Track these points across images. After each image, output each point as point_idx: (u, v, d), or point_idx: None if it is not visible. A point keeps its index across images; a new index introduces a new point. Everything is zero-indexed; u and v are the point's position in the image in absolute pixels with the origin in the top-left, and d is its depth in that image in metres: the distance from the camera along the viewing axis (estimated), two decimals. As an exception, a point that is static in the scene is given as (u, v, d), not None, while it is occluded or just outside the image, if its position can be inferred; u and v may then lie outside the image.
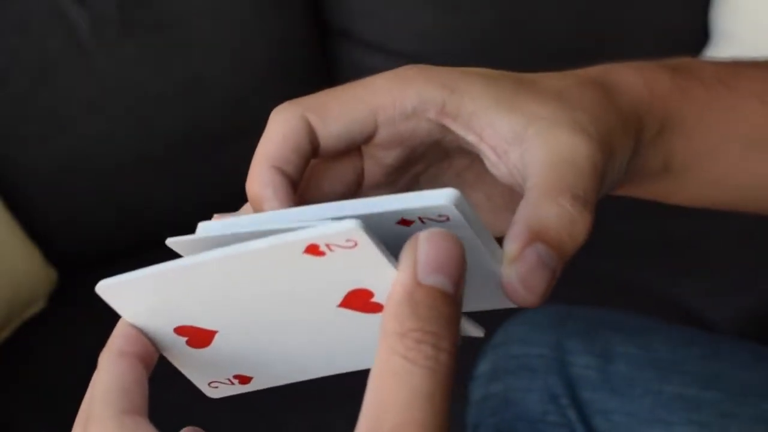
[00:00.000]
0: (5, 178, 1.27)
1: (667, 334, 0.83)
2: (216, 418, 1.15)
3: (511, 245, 0.38)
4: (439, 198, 0.34)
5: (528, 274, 0.37)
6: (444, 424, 0.31)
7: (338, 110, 0.43)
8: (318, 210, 0.36)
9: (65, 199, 1.31)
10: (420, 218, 0.35)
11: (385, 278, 0.33)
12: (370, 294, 0.34)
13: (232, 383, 0.40)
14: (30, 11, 1.24)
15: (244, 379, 0.40)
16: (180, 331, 0.37)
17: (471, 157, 0.46)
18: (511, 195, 0.46)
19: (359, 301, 0.35)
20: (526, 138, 0.41)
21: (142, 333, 0.38)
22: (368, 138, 0.43)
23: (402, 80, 0.43)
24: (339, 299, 0.34)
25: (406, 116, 0.43)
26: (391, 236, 0.35)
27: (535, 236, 0.38)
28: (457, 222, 0.35)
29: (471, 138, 0.42)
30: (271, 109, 0.44)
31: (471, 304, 0.39)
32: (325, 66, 1.43)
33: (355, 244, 0.32)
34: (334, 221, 0.32)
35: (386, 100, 0.43)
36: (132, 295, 0.36)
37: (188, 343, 0.38)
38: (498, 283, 0.37)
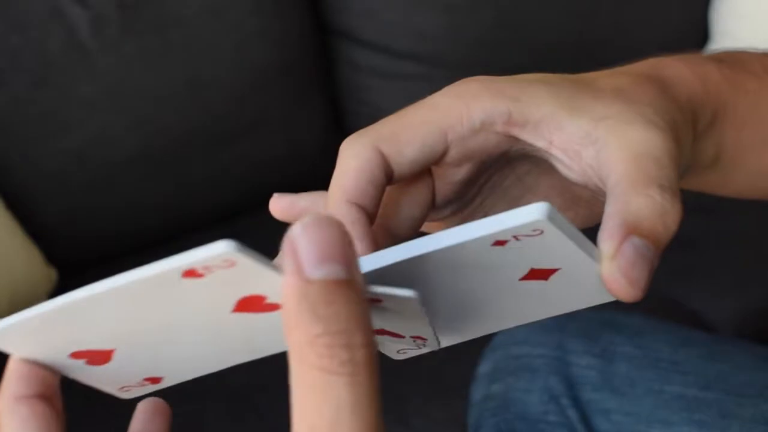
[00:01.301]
0: (5, 178, 1.27)
1: (668, 335, 0.83)
2: (212, 418, 1.15)
3: (609, 242, 0.37)
4: (532, 215, 0.34)
5: (629, 268, 0.37)
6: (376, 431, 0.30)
7: (409, 136, 0.43)
8: (415, 246, 0.36)
9: (65, 199, 1.31)
10: (514, 236, 0.35)
11: (274, 284, 0.32)
12: (262, 298, 0.33)
13: (144, 385, 0.39)
14: (30, 11, 1.24)
15: (154, 380, 0.39)
16: (76, 355, 0.36)
17: (531, 161, 0.46)
18: (572, 196, 0.47)
19: (253, 305, 0.34)
20: (598, 137, 0.41)
21: (37, 364, 0.36)
22: (440, 158, 0.43)
23: (466, 96, 0.43)
24: (231, 307, 0.34)
25: (474, 132, 0.43)
26: (487, 257, 0.36)
27: (631, 230, 0.38)
28: (552, 233, 0.35)
29: (541, 144, 0.43)
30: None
31: (573, 304, 0.40)
32: (325, 66, 1.43)
33: (233, 264, 0.31)
34: (208, 245, 0.31)
35: (454, 119, 0.43)
36: (19, 337, 0.35)
37: (88, 363, 0.37)
38: (597, 280, 0.37)
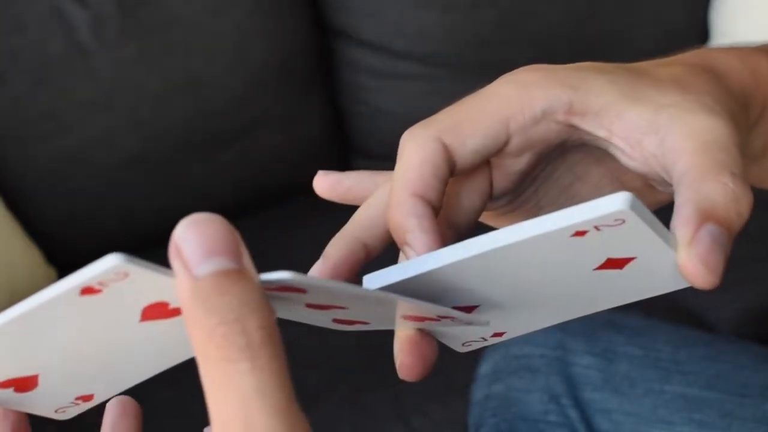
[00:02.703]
0: (5, 178, 1.27)
1: (668, 335, 0.83)
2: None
3: (685, 229, 0.37)
4: (616, 205, 0.34)
5: (707, 255, 0.36)
6: (288, 416, 0.29)
7: (471, 128, 0.42)
8: (496, 238, 0.36)
9: (65, 199, 1.31)
10: (595, 227, 0.35)
11: (172, 289, 0.32)
12: (165, 304, 0.33)
13: (77, 404, 0.39)
14: (30, 11, 1.24)
15: (86, 398, 0.39)
16: (4, 385, 0.36)
17: (584, 150, 0.46)
18: (622, 185, 0.46)
19: (158, 312, 0.34)
20: (661, 126, 0.41)
21: None
22: (502, 148, 0.43)
23: (527, 85, 0.43)
24: (138, 318, 0.34)
25: (536, 121, 0.43)
26: (565, 248, 0.36)
27: (706, 217, 0.37)
28: (634, 222, 0.35)
29: (601, 133, 0.42)
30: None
31: (645, 292, 0.40)
32: (325, 66, 1.43)
33: (126, 275, 0.31)
34: (99, 260, 0.31)
35: (515, 109, 0.42)
36: None
37: (16, 390, 0.37)
38: (672, 267, 0.37)
